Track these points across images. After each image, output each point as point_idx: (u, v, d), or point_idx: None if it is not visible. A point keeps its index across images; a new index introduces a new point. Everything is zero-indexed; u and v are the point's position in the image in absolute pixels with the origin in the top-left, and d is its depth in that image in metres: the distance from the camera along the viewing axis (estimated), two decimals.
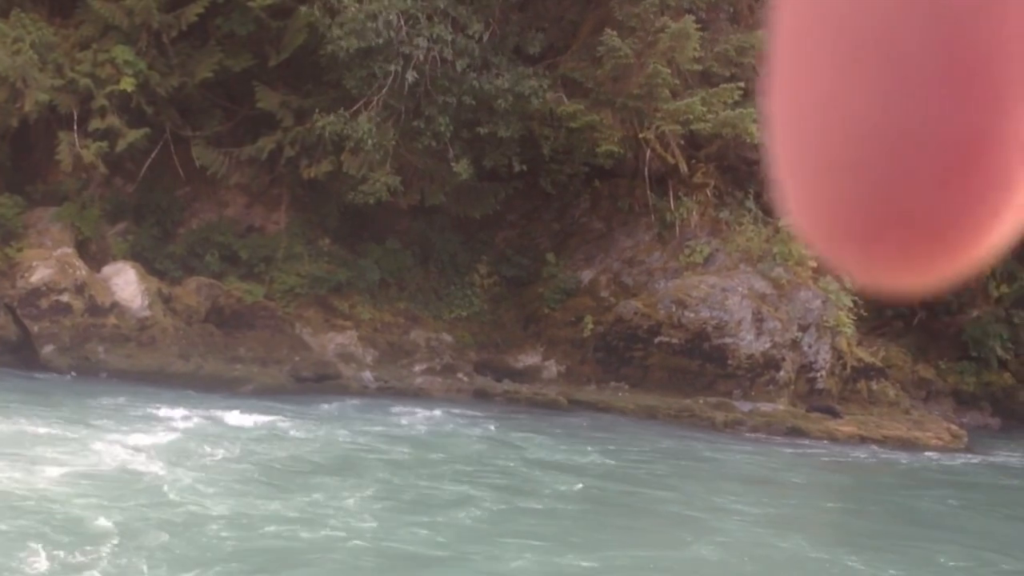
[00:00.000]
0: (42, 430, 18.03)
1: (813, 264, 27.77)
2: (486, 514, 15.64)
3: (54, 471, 15.25)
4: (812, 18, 0.69)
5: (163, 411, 20.99)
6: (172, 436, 18.72)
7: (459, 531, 14.46)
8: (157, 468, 16.22)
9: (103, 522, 13.00)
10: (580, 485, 18.48)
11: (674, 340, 26.89)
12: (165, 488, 15.06)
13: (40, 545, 11.78)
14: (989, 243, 0.70)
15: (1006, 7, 0.66)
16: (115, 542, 12.25)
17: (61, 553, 11.59)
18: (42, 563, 11.27)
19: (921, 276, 0.72)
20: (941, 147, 0.67)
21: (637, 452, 22.14)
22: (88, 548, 11.92)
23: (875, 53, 0.67)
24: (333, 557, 12.72)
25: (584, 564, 13.57)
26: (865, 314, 29.30)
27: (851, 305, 28.04)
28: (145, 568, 11.41)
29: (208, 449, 17.85)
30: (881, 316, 31.03)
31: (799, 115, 0.71)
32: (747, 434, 25.37)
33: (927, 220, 0.69)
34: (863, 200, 0.70)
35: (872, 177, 0.69)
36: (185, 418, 20.59)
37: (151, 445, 17.77)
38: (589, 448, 21.82)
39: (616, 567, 13.85)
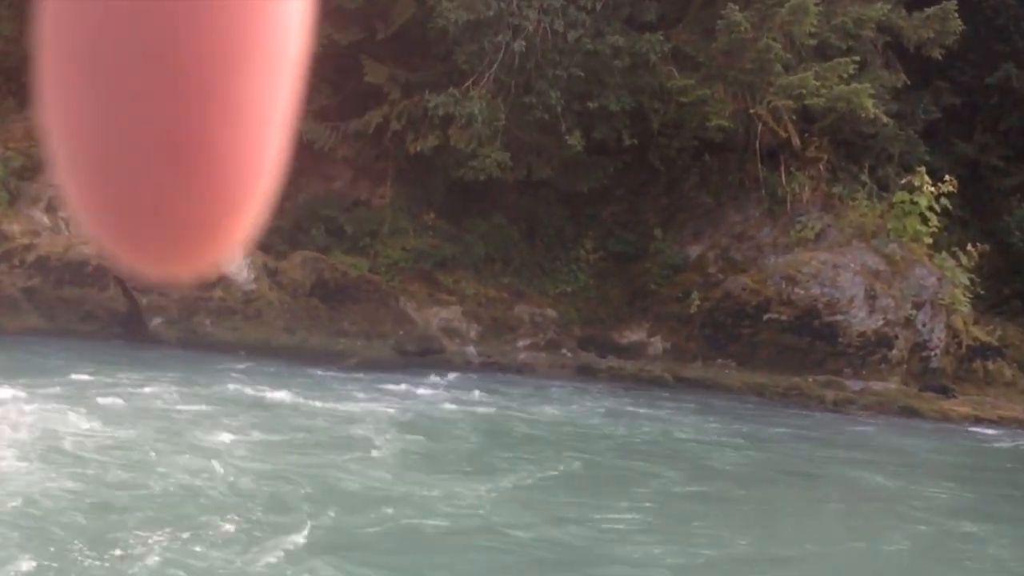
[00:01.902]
0: (184, 404, 18.15)
1: (929, 240, 27.18)
2: (645, 497, 15.25)
3: (210, 444, 15.35)
4: (70, 24, 0.72)
5: (296, 384, 21.22)
6: (309, 408, 18.91)
7: (620, 513, 14.07)
8: (302, 439, 16.27)
9: (260, 488, 13.08)
10: (728, 465, 18.24)
11: (783, 317, 26.44)
12: (323, 463, 15.00)
13: (210, 515, 11.81)
14: (238, 229, 0.76)
15: (206, 10, 0.71)
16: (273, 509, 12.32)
17: (226, 524, 11.60)
18: (212, 533, 11.30)
19: (182, 264, 0.76)
20: (169, 146, 0.71)
21: (764, 430, 21.78)
22: (252, 517, 11.95)
23: (114, 57, 0.71)
24: (495, 544, 12.34)
25: (771, 552, 13.24)
26: (982, 292, 28.59)
27: (967, 283, 27.36)
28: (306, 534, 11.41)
29: (345, 426, 17.85)
30: (999, 294, 30.26)
31: (70, 115, 0.74)
32: (857, 413, 24.87)
33: (173, 214, 0.73)
34: (126, 197, 0.73)
35: (128, 176, 0.73)
36: (315, 392, 20.69)
37: (294, 415, 17.97)
38: (717, 426, 21.54)
39: (812, 555, 13.52)
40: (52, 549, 10.28)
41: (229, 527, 11.49)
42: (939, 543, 14.55)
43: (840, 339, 26.19)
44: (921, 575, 13.17)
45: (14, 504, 11.51)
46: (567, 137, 26.01)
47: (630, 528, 13.36)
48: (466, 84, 25.97)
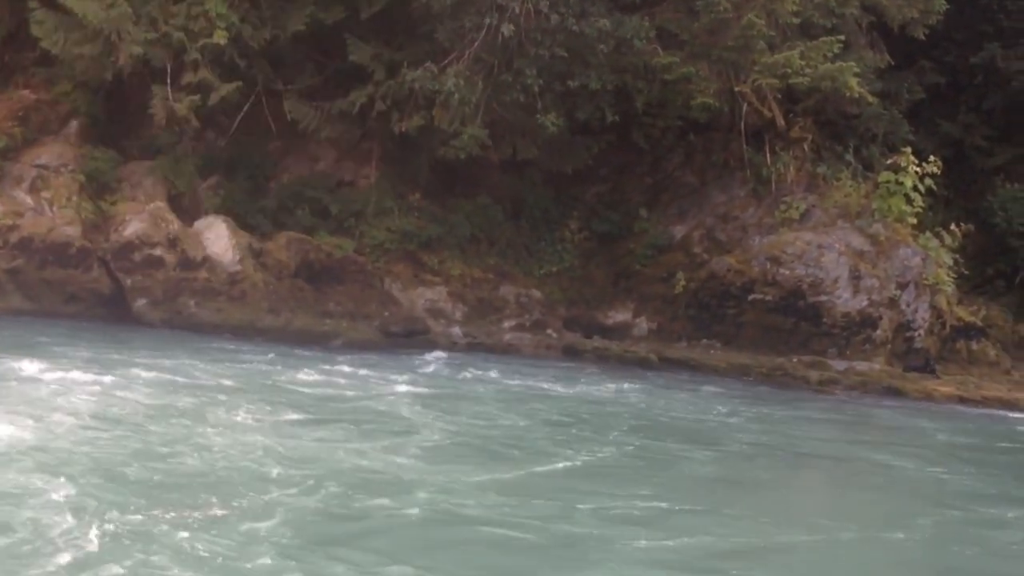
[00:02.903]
0: (171, 386, 17.99)
1: (913, 220, 27.21)
2: (644, 480, 15.06)
3: (197, 425, 15.29)
4: None
5: (286, 366, 21.25)
6: (296, 390, 18.91)
7: (617, 499, 13.80)
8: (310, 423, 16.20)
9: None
10: (723, 446, 18.19)
11: (768, 297, 26.46)
12: (333, 447, 14.92)
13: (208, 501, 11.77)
14: None
15: None
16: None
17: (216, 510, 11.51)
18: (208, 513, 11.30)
19: None
20: None
21: (753, 410, 21.80)
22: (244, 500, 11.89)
23: None
24: (491, 529, 12.09)
25: (771, 534, 13.02)
26: (966, 272, 28.68)
27: (951, 263, 27.45)
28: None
29: (333, 407, 17.84)
30: (982, 274, 30.33)
31: None
32: (841, 393, 24.92)
33: None
34: None
35: None
36: (302, 373, 20.64)
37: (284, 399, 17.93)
38: (704, 407, 21.58)
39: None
40: (47, 531, 10.24)
41: (222, 508, 11.43)
42: (959, 526, 14.44)
43: (824, 319, 26.23)
44: (943, 561, 13.00)
45: (7, 484, 11.48)
46: (540, 116, 25.88)
47: (631, 511, 13.20)
48: (445, 61, 25.86)
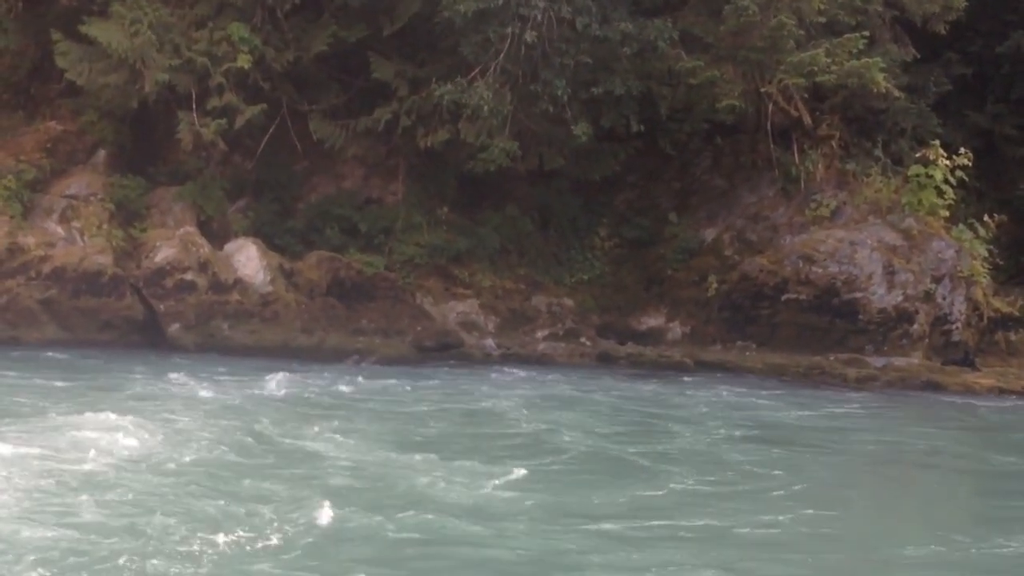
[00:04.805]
0: (213, 408, 18.04)
1: (945, 213, 27.03)
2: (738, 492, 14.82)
3: (245, 445, 15.40)
4: None
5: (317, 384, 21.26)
6: (337, 408, 18.96)
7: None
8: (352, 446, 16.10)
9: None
10: (842, 446, 18.24)
11: (802, 296, 26.33)
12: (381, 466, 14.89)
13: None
14: None
15: None
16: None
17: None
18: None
19: None
20: None
21: (825, 412, 21.81)
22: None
23: None
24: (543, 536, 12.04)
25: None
26: (1001, 263, 28.46)
27: (986, 254, 27.24)
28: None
29: (379, 424, 17.83)
30: (1018, 265, 30.06)
31: None
32: (881, 389, 24.72)
33: None
34: None
35: None
36: (341, 391, 20.80)
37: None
38: (784, 411, 21.51)
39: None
40: (101, 557, 10.29)
41: (292, 528, 11.46)
42: None
43: (860, 316, 26.08)
44: None
45: (52, 513, 11.50)
46: (572, 126, 25.85)
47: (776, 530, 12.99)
48: (472, 74, 25.86)
